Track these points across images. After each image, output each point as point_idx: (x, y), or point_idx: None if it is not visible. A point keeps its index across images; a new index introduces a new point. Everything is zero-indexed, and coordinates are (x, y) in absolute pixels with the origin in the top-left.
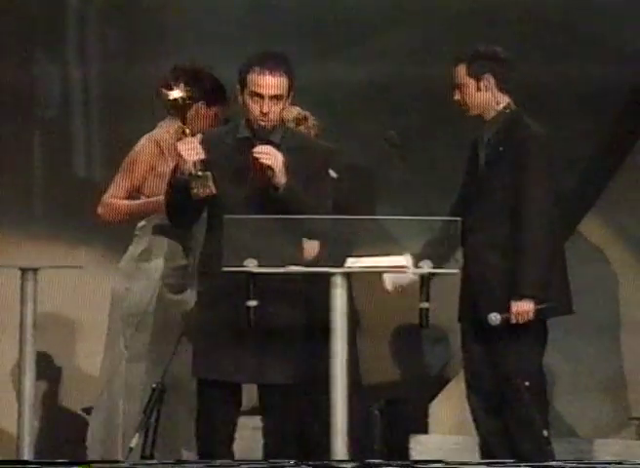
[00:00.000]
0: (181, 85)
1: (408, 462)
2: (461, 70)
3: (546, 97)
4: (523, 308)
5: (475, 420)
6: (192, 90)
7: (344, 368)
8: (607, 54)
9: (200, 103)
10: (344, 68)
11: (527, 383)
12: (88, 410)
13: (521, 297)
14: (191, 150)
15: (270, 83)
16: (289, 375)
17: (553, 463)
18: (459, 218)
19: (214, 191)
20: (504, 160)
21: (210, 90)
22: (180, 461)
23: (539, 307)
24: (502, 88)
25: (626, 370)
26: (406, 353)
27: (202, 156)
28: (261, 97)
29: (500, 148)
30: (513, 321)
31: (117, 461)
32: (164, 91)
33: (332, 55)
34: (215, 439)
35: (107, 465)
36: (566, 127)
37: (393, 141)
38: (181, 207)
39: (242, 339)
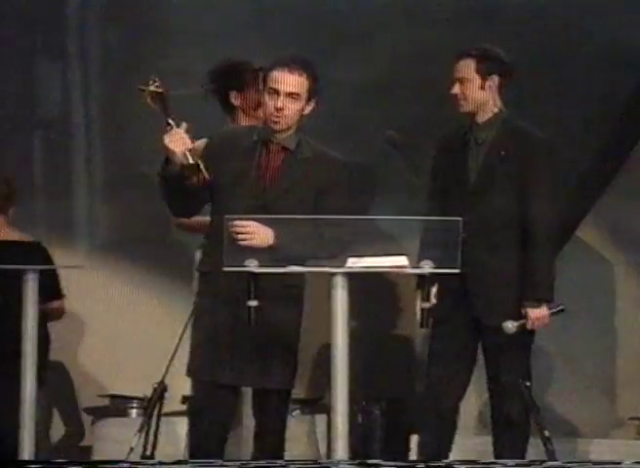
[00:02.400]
0: (155, 80)
1: (408, 462)
2: (470, 65)
3: (546, 98)
4: (541, 313)
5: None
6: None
7: (345, 368)
8: (607, 55)
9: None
10: (344, 68)
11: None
12: (89, 410)
13: (538, 303)
14: (178, 141)
15: (287, 80)
16: (288, 381)
17: (553, 463)
18: (459, 219)
19: (207, 177)
20: (506, 165)
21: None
22: (179, 461)
23: (552, 311)
24: (502, 92)
25: (626, 370)
26: (405, 353)
27: (189, 146)
28: (278, 92)
29: (502, 153)
30: (530, 327)
31: (117, 461)
32: (140, 87)
33: (331, 54)
34: (208, 440)
35: (108, 465)
36: (566, 127)
37: (393, 141)
38: (177, 197)
39: (242, 342)
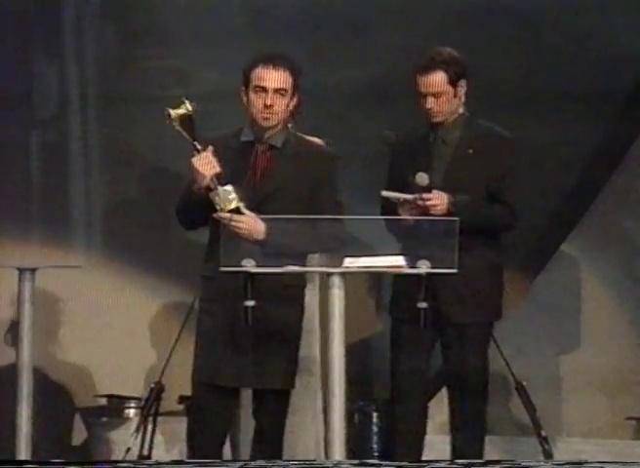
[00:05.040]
0: (184, 102)
1: (405, 462)
2: (442, 78)
3: (545, 98)
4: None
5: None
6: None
7: (342, 368)
8: (605, 55)
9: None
10: (341, 68)
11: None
12: (86, 410)
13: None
14: (207, 165)
15: (274, 76)
16: (287, 381)
17: (550, 463)
18: (457, 219)
19: (239, 204)
20: (474, 162)
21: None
22: (176, 461)
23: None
24: (467, 93)
25: (622, 370)
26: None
27: (218, 170)
28: (265, 90)
29: (470, 151)
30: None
31: (114, 461)
32: (169, 110)
33: (327, 54)
34: (208, 441)
35: (105, 465)
36: (564, 128)
37: (389, 141)
38: (195, 216)
39: (242, 343)
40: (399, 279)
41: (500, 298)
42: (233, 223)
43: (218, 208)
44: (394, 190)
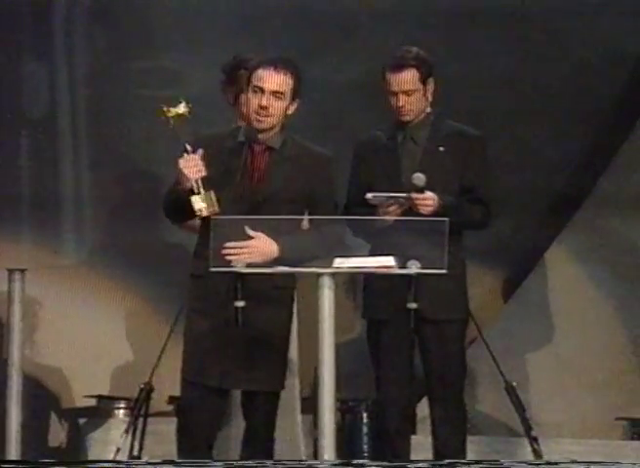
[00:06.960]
0: (183, 102)
1: (396, 462)
2: (414, 75)
3: (538, 99)
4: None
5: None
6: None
7: (332, 368)
8: (597, 57)
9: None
10: (332, 68)
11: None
12: (76, 411)
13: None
14: (193, 168)
15: (273, 78)
16: (276, 382)
17: (541, 463)
18: (446, 219)
19: (217, 210)
20: (445, 160)
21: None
22: (166, 461)
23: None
24: (434, 92)
25: (613, 371)
26: None
27: (204, 173)
28: (262, 90)
29: (441, 148)
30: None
31: (104, 461)
32: (166, 108)
33: (318, 54)
34: (197, 441)
35: (95, 465)
36: (552, 129)
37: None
38: (179, 214)
39: (231, 344)
40: (374, 280)
41: (467, 294)
42: (245, 256)
43: (196, 210)
44: (364, 192)
